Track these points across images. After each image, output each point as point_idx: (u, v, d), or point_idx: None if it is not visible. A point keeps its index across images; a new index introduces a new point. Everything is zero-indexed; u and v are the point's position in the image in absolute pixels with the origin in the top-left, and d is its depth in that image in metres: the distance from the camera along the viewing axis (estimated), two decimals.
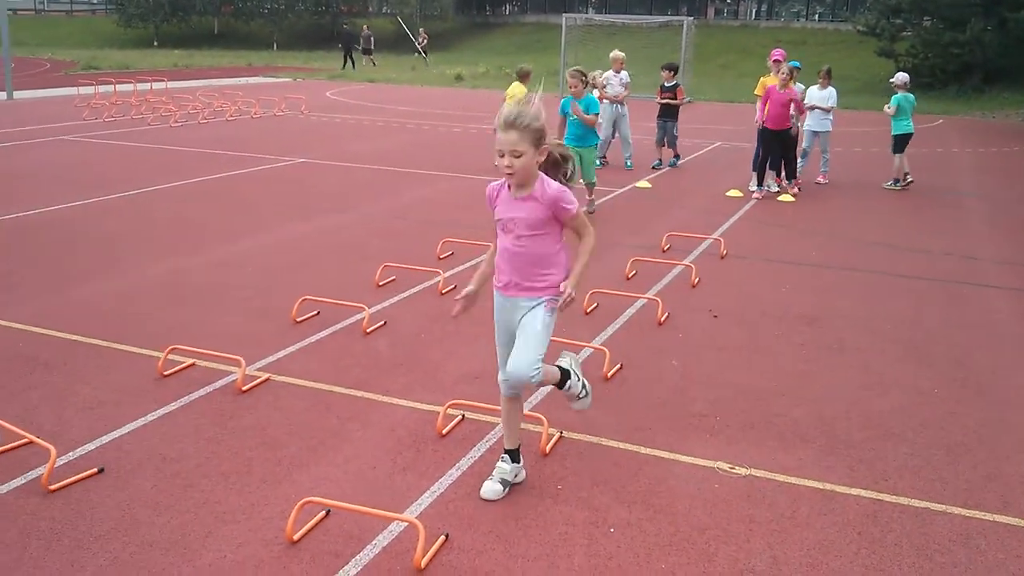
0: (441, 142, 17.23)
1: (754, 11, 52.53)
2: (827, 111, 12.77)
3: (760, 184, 12.19)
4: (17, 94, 23.14)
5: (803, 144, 12.95)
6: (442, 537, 3.83)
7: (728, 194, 12.13)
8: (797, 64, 12.58)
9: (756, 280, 8.06)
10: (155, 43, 50.82)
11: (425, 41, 43.36)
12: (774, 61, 12.63)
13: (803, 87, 12.74)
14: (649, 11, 47.62)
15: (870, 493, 4.35)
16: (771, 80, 12.32)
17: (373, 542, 3.80)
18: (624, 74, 14.24)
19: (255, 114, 19.93)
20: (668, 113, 14.21)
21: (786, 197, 12.04)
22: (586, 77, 10.24)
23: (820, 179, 13.24)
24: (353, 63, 37.47)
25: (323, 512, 3.97)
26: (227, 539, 3.81)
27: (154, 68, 33.31)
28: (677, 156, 14.62)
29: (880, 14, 32.06)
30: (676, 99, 14.19)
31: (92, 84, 24.47)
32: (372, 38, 40.38)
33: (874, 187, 13.14)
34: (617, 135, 14.29)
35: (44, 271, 7.64)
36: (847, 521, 4.10)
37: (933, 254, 9.22)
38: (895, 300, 7.59)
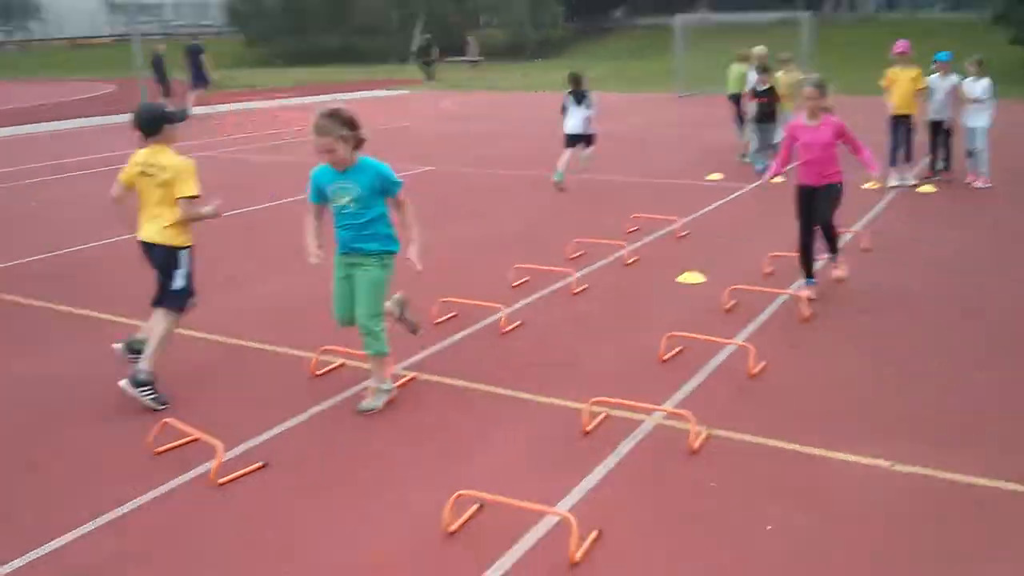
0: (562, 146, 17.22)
1: (873, 4, 50.86)
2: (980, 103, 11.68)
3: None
4: None
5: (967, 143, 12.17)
6: (595, 532, 3.82)
7: (864, 187, 11.74)
8: (945, 56, 11.75)
9: (905, 273, 7.78)
10: (279, 61, 52.54)
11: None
12: (898, 53, 11.64)
13: (957, 78, 11.94)
14: (763, 7, 46.62)
15: None
16: (899, 72, 11.48)
17: (526, 536, 3.82)
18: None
19: (380, 125, 20.38)
20: (764, 117, 13.06)
21: (927, 188, 11.59)
22: (354, 128, 4.94)
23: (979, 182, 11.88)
24: (431, 73, 37.91)
25: (476, 505, 4.01)
26: (384, 531, 3.91)
27: (278, 86, 34.38)
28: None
29: (1010, 1, 30.53)
30: (773, 102, 12.86)
31: (225, 103, 25.48)
32: (437, 50, 40.24)
33: None
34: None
35: (202, 278, 7.96)
36: (1020, 520, 3.91)
37: None
38: None
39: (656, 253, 8.44)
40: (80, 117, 23.98)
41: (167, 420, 4.73)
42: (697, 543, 3.79)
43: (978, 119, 11.66)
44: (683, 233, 9.24)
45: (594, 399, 4.98)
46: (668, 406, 5.07)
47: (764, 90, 13.02)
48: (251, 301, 7.28)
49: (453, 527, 3.86)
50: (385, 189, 5.13)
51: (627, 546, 3.77)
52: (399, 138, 18.59)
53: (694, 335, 6.02)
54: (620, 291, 7.41)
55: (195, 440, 4.65)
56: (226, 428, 4.85)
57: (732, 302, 6.85)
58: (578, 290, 7.30)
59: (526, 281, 7.55)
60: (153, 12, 67.09)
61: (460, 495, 3.93)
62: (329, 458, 4.58)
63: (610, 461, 4.50)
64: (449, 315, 6.69)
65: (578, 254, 8.39)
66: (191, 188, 5.24)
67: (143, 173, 5.31)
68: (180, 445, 4.66)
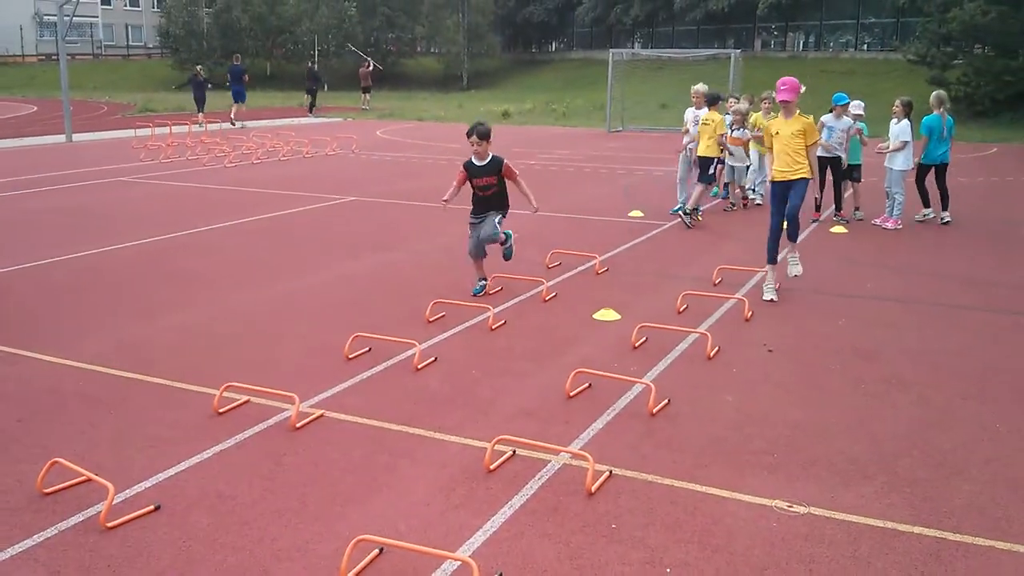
0: None
1: (801, 42, 52.30)
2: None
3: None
4: (76, 136, 23.78)
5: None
6: None
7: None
8: (843, 98, 12.16)
9: (810, 314, 7.94)
10: (209, 85, 51.85)
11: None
12: (781, 101, 8.28)
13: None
14: (696, 44, 47.64)
15: (933, 531, 4.23)
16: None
17: None
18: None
19: (307, 154, 20.24)
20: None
21: (838, 228, 11.88)
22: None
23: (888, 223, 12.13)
24: (313, 103, 35.04)
25: (376, 550, 3.95)
26: None
27: (209, 110, 33.99)
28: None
29: (930, 43, 31.74)
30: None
31: (148, 126, 25.06)
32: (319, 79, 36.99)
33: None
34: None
35: (103, 310, 7.78)
36: (910, 561, 3.99)
37: (990, 285, 9.02)
38: (955, 333, 7.42)
39: (574, 289, 8.48)
40: None
41: (57, 460, 4.57)
42: None
43: (894, 161, 12.02)
44: (602, 270, 9.32)
45: (499, 437, 4.96)
46: (574, 445, 5.06)
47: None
48: (156, 335, 7.10)
49: (351, 575, 3.79)
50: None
51: None
52: (325, 166, 18.48)
53: (601, 373, 6.05)
54: (536, 327, 7.42)
55: (87, 480, 4.50)
56: (120, 468, 4.71)
57: (642, 339, 6.91)
58: (495, 326, 7.29)
59: (442, 316, 7.51)
60: (84, 31, 65.78)
61: (360, 540, 3.87)
62: (227, 500, 4.46)
63: (515, 502, 4.47)
64: (363, 351, 6.62)
65: (497, 289, 8.39)
66: (722, 128, 11.98)
67: (704, 124, 11.84)
68: (71, 486, 4.51)
